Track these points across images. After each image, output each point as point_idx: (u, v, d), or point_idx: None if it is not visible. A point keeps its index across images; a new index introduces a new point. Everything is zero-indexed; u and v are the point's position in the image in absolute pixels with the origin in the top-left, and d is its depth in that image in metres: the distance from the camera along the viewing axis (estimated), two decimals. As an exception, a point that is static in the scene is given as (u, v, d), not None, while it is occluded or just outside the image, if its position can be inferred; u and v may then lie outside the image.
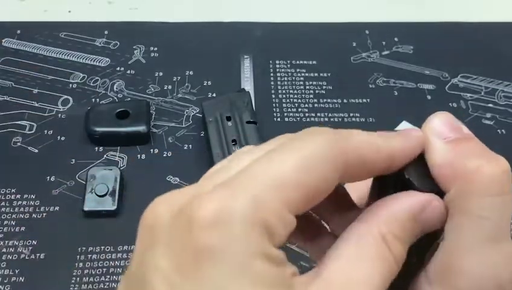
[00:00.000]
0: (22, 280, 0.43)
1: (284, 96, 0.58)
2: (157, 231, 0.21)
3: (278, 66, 0.61)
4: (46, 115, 0.55)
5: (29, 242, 0.46)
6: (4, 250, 0.45)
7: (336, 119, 0.56)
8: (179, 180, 0.50)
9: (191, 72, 0.60)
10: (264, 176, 0.21)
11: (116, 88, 0.58)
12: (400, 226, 0.23)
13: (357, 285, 0.21)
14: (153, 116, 0.55)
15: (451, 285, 0.24)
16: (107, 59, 0.61)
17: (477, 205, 0.23)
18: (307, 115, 0.57)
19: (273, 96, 0.58)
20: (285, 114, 0.56)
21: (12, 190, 0.49)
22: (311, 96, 0.58)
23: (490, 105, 0.58)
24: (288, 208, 0.21)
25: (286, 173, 0.21)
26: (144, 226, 0.23)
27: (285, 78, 0.60)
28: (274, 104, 0.57)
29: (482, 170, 0.23)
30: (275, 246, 0.20)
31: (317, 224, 0.27)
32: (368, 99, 0.58)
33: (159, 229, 0.21)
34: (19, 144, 0.53)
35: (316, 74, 0.61)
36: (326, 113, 0.57)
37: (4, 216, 0.47)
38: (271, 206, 0.20)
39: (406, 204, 0.23)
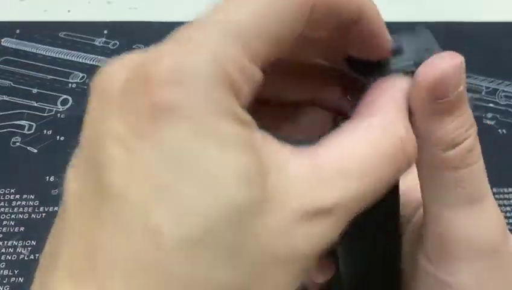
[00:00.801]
0: (21, 281, 0.43)
1: (284, 96, 0.58)
2: (110, 94, 0.18)
3: (278, 66, 0.61)
4: (45, 114, 0.55)
5: (28, 242, 0.46)
6: (3, 250, 0.45)
7: (336, 119, 0.56)
8: (178, 181, 0.50)
9: (191, 72, 0.60)
10: (223, 25, 0.18)
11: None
12: (407, 118, 0.21)
13: (361, 169, 0.19)
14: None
15: (450, 257, 0.23)
16: (107, 59, 0.61)
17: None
18: (307, 115, 0.57)
19: (273, 96, 0.58)
20: (286, 114, 0.56)
21: (12, 190, 0.49)
22: (312, 96, 0.58)
23: (491, 105, 0.58)
24: (252, 59, 0.18)
25: (246, 19, 0.18)
26: (95, 92, 0.19)
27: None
28: (274, 104, 0.57)
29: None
30: (241, 106, 0.18)
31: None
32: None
33: (112, 92, 0.18)
34: (18, 144, 0.53)
35: (316, 74, 0.61)
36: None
37: (3, 216, 0.47)
38: (233, 59, 0.18)
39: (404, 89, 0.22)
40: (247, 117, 0.18)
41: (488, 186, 0.24)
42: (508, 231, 0.24)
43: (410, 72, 0.22)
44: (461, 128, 0.23)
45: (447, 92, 0.22)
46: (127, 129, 0.17)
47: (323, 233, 0.18)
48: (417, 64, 0.22)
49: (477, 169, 0.23)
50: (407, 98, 0.22)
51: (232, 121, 0.17)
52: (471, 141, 0.23)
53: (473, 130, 0.24)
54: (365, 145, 0.19)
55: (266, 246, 0.17)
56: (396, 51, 0.23)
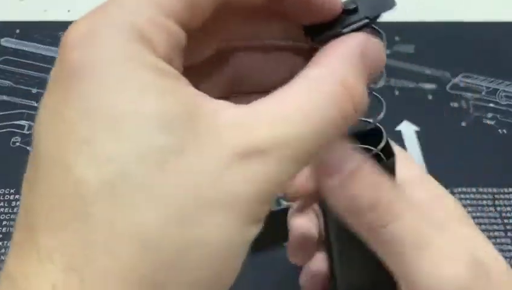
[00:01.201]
0: (21, 281, 0.43)
1: (284, 96, 0.58)
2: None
3: (278, 65, 0.61)
4: (45, 114, 0.55)
5: (28, 243, 0.46)
6: (3, 251, 0.45)
7: (337, 119, 0.56)
8: (178, 181, 0.50)
9: (191, 72, 0.60)
10: None
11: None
12: (355, 67, 0.21)
13: (305, 116, 0.19)
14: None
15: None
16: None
17: None
18: (307, 114, 0.57)
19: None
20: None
21: (11, 190, 0.49)
22: (312, 96, 0.58)
23: (491, 105, 0.58)
24: (169, 16, 0.19)
25: None
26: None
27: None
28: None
29: None
30: (161, 57, 0.18)
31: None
32: (368, 99, 0.58)
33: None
34: (18, 144, 0.53)
35: (316, 74, 0.61)
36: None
37: (3, 216, 0.47)
38: (148, 17, 0.19)
39: (354, 42, 0.22)
40: (168, 68, 0.18)
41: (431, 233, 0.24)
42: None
43: (365, 27, 0.23)
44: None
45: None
46: (50, 97, 0.19)
47: (262, 174, 0.18)
48: (370, 18, 0.22)
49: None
50: (363, 51, 0.22)
51: (149, 70, 0.18)
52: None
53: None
54: (306, 90, 0.20)
55: (196, 189, 0.17)
56: (351, 11, 0.23)
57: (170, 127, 0.17)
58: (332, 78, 0.20)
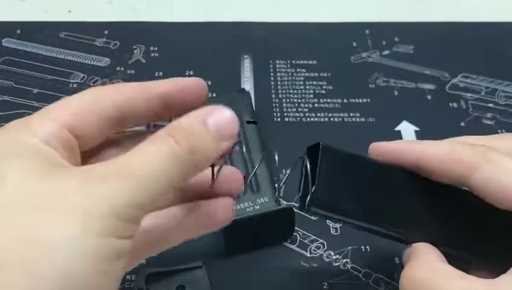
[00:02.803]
0: (22, 280, 0.43)
1: (284, 96, 0.58)
2: None
3: (278, 66, 0.61)
4: (46, 115, 0.55)
5: (29, 242, 0.46)
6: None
7: (336, 119, 0.56)
8: (178, 180, 0.50)
9: (191, 72, 0.60)
10: None
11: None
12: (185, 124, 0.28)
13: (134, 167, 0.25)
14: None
15: None
16: (107, 59, 0.61)
17: None
18: (307, 115, 0.57)
19: (273, 96, 0.58)
20: (285, 114, 0.56)
21: (12, 190, 0.49)
22: (311, 96, 0.58)
23: (490, 105, 0.58)
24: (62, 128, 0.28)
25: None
26: None
27: (285, 78, 0.60)
28: (274, 104, 0.57)
29: None
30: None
31: None
32: (368, 99, 0.58)
33: None
34: (18, 144, 0.53)
35: (316, 74, 0.61)
36: (326, 113, 0.57)
37: (4, 216, 0.47)
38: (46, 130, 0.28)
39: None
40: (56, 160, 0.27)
41: None
42: None
43: None
44: None
45: None
46: None
47: (118, 194, 0.24)
48: None
49: None
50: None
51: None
52: None
53: None
54: (144, 147, 0.26)
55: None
56: None
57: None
58: (160, 145, 0.26)
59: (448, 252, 0.35)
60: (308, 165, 0.33)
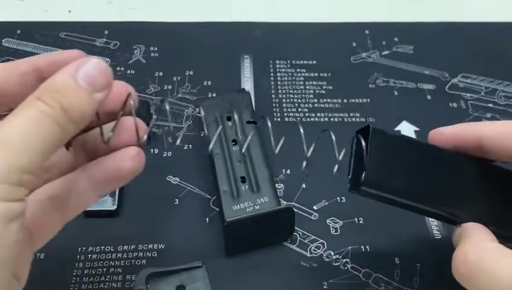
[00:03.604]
0: (22, 280, 0.43)
1: (284, 96, 0.58)
2: None
3: (278, 66, 0.61)
4: (46, 115, 0.55)
5: (29, 242, 0.46)
6: (4, 250, 0.45)
7: (336, 119, 0.56)
8: (179, 180, 0.50)
9: (191, 72, 0.60)
10: None
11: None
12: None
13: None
14: (153, 116, 0.55)
15: None
16: (107, 59, 0.61)
17: None
18: (307, 115, 0.57)
19: (273, 96, 0.58)
20: (285, 114, 0.56)
21: (13, 190, 0.49)
22: (311, 96, 0.58)
23: (490, 105, 0.58)
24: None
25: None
26: None
27: (285, 78, 0.60)
28: (274, 104, 0.57)
29: None
30: None
31: None
32: (368, 99, 0.58)
33: None
34: (19, 144, 0.53)
35: (316, 74, 0.61)
36: (326, 113, 0.57)
37: (4, 216, 0.47)
38: None
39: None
40: None
41: None
42: None
43: None
44: None
45: None
46: None
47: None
48: None
49: None
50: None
51: None
52: None
53: None
54: (10, 121, 0.26)
55: None
56: None
57: None
58: (31, 96, 0.27)
59: (498, 231, 0.35)
60: (363, 142, 0.35)
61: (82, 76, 0.28)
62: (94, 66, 0.29)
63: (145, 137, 0.32)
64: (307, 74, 0.61)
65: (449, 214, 0.37)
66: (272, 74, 0.61)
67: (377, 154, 0.35)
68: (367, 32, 0.66)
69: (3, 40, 0.63)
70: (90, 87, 0.28)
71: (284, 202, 0.48)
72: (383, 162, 0.35)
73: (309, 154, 0.36)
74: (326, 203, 0.49)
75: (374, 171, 0.35)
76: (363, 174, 0.34)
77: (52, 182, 0.32)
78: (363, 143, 0.35)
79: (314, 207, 0.49)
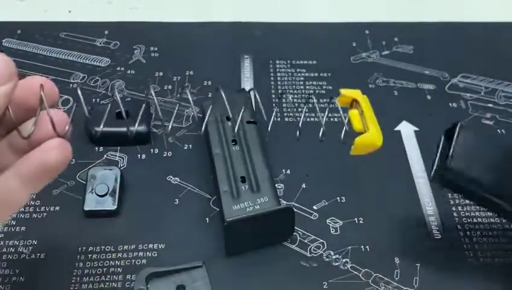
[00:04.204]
0: (22, 280, 0.43)
1: (284, 96, 0.58)
2: None
3: (278, 66, 0.62)
4: (46, 115, 0.55)
5: (29, 242, 0.46)
6: (4, 250, 0.45)
7: (336, 119, 0.56)
8: (179, 180, 0.50)
9: (191, 72, 0.60)
10: None
11: (117, 88, 0.58)
12: None
13: None
14: (153, 116, 0.55)
15: None
16: (107, 59, 0.61)
17: None
18: (306, 115, 0.57)
19: (273, 96, 0.58)
20: (285, 114, 0.56)
21: (13, 190, 0.49)
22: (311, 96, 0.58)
23: (490, 105, 0.58)
24: None
25: None
26: None
27: (285, 78, 0.60)
28: (274, 104, 0.57)
29: None
30: None
31: None
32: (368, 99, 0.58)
33: None
34: (19, 144, 0.53)
35: (316, 74, 0.61)
36: (326, 113, 0.57)
37: (4, 216, 0.47)
38: None
39: None
40: None
41: None
42: None
43: None
44: None
45: None
46: None
47: None
48: None
49: None
50: None
51: None
52: None
53: None
54: None
55: None
56: None
57: None
58: None
59: None
60: (455, 136, 0.39)
61: None
62: None
63: (67, 127, 0.32)
64: (306, 74, 0.61)
65: None
66: (271, 74, 0.61)
67: (462, 147, 0.39)
68: (367, 32, 0.66)
69: (4, 40, 0.63)
70: None
71: (284, 202, 0.48)
72: (467, 156, 0.39)
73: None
74: (326, 203, 0.49)
75: (458, 161, 0.38)
76: (449, 160, 0.39)
77: None
78: (455, 136, 0.39)
79: (314, 207, 0.49)
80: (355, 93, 0.39)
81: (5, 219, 0.33)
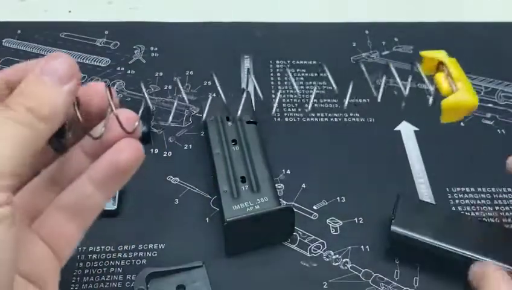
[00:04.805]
0: (22, 280, 0.43)
1: (284, 96, 0.58)
2: None
3: (278, 66, 0.62)
4: (46, 115, 0.55)
5: (29, 242, 0.46)
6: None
7: (336, 119, 0.56)
8: (179, 180, 0.50)
9: (191, 72, 0.60)
10: None
11: (116, 88, 0.58)
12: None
13: None
14: (153, 116, 0.55)
15: None
16: (107, 59, 0.61)
17: None
18: (307, 115, 0.57)
19: (273, 96, 0.58)
20: (285, 114, 0.56)
21: (13, 190, 0.49)
22: (311, 96, 0.58)
23: (490, 105, 0.58)
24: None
25: None
26: None
27: (285, 78, 0.60)
28: (274, 104, 0.57)
29: None
30: None
31: None
32: (368, 100, 0.58)
33: None
34: (19, 144, 0.53)
35: (316, 74, 0.61)
36: (326, 113, 0.57)
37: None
38: None
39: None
40: None
41: None
42: None
43: None
44: None
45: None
46: None
47: None
48: None
49: None
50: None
51: None
52: None
53: None
54: None
55: None
56: None
57: None
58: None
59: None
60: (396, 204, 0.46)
61: (44, 71, 0.28)
62: (55, 59, 0.28)
63: (136, 123, 0.31)
64: (306, 74, 0.61)
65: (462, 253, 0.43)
66: (271, 74, 0.61)
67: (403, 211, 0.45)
68: (367, 32, 0.66)
69: (4, 40, 0.63)
70: (54, 80, 0.28)
71: (284, 202, 0.48)
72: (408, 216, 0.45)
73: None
74: (326, 203, 0.49)
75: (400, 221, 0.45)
76: (392, 221, 0.45)
77: (61, 193, 0.31)
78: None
79: (314, 207, 0.49)
80: (440, 55, 0.36)
81: (84, 228, 0.32)
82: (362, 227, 0.48)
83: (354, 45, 0.64)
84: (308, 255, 0.46)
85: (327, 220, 0.48)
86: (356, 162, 0.52)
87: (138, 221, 0.47)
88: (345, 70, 0.62)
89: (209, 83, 0.59)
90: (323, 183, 0.51)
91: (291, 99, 0.58)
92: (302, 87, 0.59)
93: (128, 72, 0.60)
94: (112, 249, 0.45)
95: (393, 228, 0.44)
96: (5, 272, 0.26)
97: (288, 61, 0.62)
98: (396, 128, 0.56)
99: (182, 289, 0.42)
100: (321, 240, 0.47)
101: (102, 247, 0.45)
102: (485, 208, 0.49)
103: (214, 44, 0.64)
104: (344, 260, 0.45)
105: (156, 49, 0.63)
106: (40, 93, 0.27)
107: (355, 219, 0.48)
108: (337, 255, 0.46)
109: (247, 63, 0.62)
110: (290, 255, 0.46)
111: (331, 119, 0.56)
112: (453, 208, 0.49)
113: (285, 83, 0.60)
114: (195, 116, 0.56)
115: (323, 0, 0.71)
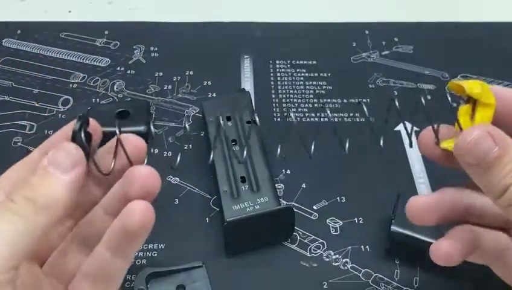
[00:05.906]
0: (22, 280, 0.43)
1: (284, 96, 0.58)
2: None
3: (278, 66, 0.62)
4: (46, 115, 0.55)
5: (29, 242, 0.46)
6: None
7: (336, 119, 0.56)
8: (179, 180, 0.50)
9: (191, 72, 0.60)
10: None
11: (116, 88, 0.58)
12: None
13: None
14: (153, 116, 0.55)
15: None
16: (107, 59, 0.61)
17: None
18: (307, 115, 0.57)
19: (273, 96, 0.58)
20: (285, 114, 0.56)
21: (13, 190, 0.49)
22: (311, 96, 0.58)
23: (490, 105, 0.58)
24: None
25: None
26: None
27: (285, 78, 0.60)
28: (274, 104, 0.57)
29: None
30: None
31: None
32: (368, 99, 0.58)
33: None
34: (19, 144, 0.53)
35: (316, 74, 0.61)
36: (326, 113, 0.57)
37: (4, 216, 0.47)
38: None
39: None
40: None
41: None
42: None
43: None
44: (504, 177, 0.30)
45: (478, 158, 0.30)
46: None
47: None
48: None
49: None
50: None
51: None
52: None
53: None
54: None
55: None
56: None
57: None
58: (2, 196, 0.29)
59: None
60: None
61: (48, 162, 0.28)
62: (60, 149, 0.29)
63: (145, 154, 0.33)
64: (306, 74, 0.61)
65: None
66: (271, 74, 0.61)
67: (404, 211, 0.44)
68: (367, 32, 0.66)
69: (4, 40, 0.63)
70: (56, 170, 0.28)
71: (284, 202, 0.48)
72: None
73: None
74: (326, 203, 0.49)
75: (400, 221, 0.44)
76: (392, 221, 0.45)
77: (85, 262, 0.31)
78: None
79: (314, 207, 0.49)
80: (475, 91, 0.34)
81: (128, 265, 0.32)
82: (362, 227, 0.48)
83: (354, 45, 0.64)
84: (308, 255, 0.46)
85: (327, 220, 0.48)
86: (356, 162, 0.52)
87: (138, 221, 0.47)
88: (345, 70, 0.62)
89: (209, 83, 0.59)
90: (323, 183, 0.51)
91: (291, 100, 0.58)
92: (302, 87, 0.59)
93: (128, 72, 0.60)
94: (112, 249, 0.45)
95: (393, 228, 0.44)
96: None
97: (288, 61, 0.62)
98: (397, 128, 0.56)
99: (182, 289, 0.42)
100: (321, 240, 0.47)
101: (102, 247, 0.45)
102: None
103: (214, 44, 0.64)
104: (344, 260, 0.45)
105: (156, 49, 0.63)
106: (40, 185, 0.28)
107: (355, 219, 0.48)
108: (337, 255, 0.46)
109: (247, 63, 0.62)
110: (290, 255, 0.46)
111: (331, 119, 0.56)
112: (453, 208, 0.49)
113: (285, 83, 0.60)
114: (195, 116, 0.56)
115: (323, 0, 0.71)
